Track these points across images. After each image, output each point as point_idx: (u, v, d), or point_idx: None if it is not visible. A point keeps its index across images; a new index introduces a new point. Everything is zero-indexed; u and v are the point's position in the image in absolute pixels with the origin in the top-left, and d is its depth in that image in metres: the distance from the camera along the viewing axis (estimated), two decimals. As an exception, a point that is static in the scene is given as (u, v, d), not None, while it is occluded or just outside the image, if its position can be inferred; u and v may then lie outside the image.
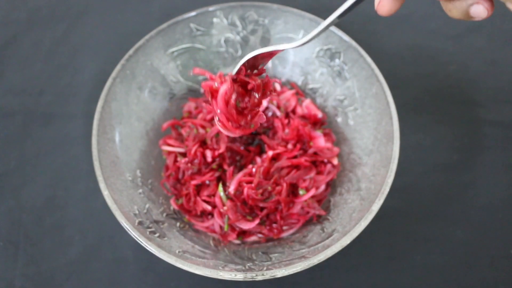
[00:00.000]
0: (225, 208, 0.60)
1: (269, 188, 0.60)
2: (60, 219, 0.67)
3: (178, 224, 0.60)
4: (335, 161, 0.65)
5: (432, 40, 0.82)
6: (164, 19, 0.69)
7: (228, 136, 0.64)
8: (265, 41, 0.71)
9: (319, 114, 0.69)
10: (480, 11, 0.32)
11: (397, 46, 0.82)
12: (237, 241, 0.61)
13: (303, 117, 0.69)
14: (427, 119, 0.74)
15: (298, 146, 0.64)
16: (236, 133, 0.44)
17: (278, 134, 0.67)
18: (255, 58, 0.42)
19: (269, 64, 0.73)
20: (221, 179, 0.64)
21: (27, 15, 0.86)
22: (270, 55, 0.43)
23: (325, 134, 0.67)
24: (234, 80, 0.43)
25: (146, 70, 0.66)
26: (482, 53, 0.81)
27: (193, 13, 0.68)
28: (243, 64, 0.43)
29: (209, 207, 0.61)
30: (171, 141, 0.67)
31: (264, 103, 0.68)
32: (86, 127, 0.74)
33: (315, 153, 0.66)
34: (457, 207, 0.67)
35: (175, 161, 0.66)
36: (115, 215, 0.51)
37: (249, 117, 0.45)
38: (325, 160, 0.66)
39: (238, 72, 0.44)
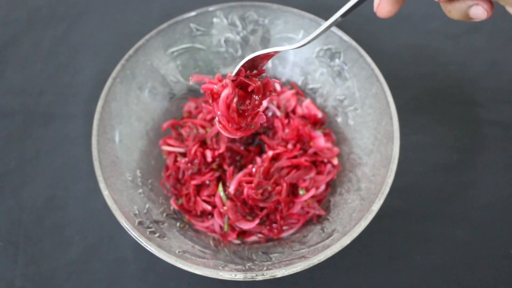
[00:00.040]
0: (225, 208, 0.60)
1: (269, 188, 0.60)
2: (60, 219, 0.67)
3: (178, 224, 0.60)
4: (335, 161, 0.65)
5: (432, 40, 0.82)
6: (164, 19, 0.70)
7: (228, 137, 0.64)
8: (265, 41, 0.71)
9: (319, 114, 0.69)
10: (479, 12, 0.32)
11: (397, 46, 0.82)
12: (237, 241, 0.61)
13: (303, 117, 0.69)
14: (427, 119, 0.74)
15: (298, 146, 0.64)
16: (237, 135, 0.44)
17: (278, 134, 0.67)
18: (254, 58, 0.42)
19: (269, 64, 0.73)
20: (221, 179, 0.64)
21: (27, 15, 0.86)
22: (269, 56, 0.43)
23: (325, 134, 0.67)
24: (233, 81, 0.43)
25: (146, 70, 0.66)
26: (482, 53, 0.81)
27: (193, 13, 0.68)
28: (243, 65, 0.43)
29: (209, 207, 0.61)
30: (171, 141, 0.67)
31: (264, 103, 0.68)
32: (86, 127, 0.74)
33: (315, 153, 0.66)
34: (457, 207, 0.67)
35: (175, 161, 0.66)
36: (115, 215, 0.51)
37: (249, 119, 0.45)
38: (325, 160, 0.66)
39: (237, 73, 0.44)
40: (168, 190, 0.65)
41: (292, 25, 0.69)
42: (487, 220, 0.66)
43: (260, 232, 0.62)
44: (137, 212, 0.55)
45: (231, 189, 0.60)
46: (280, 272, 0.47)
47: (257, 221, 0.59)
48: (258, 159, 0.65)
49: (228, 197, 0.61)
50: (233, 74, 0.44)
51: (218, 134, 0.65)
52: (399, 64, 0.79)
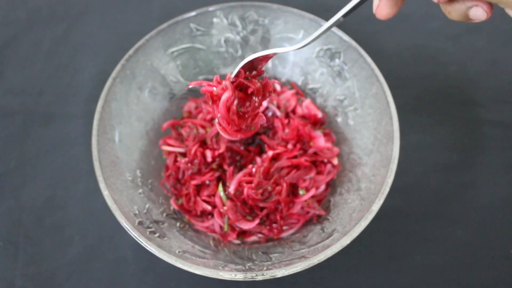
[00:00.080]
0: (225, 208, 0.60)
1: (269, 188, 0.60)
2: (60, 219, 0.67)
3: (178, 224, 0.60)
4: (335, 161, 0.65)
5: (432, 40, 0.82)
6: (164, 19, 0.70)
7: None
8: (265, 41, 0.71)
9: (319, 114, 0.69)
10: (479, 13, 0.32)
11: (397, 46, 0.82)
12: (237, 241, 0.61)
13: (303, 117, 0.69)
14: (427, 119, 0.74)
15: (298, 146, 0.64)
16: (237, 137, 0.44)
17: (278, 134, 0.67)
18: (254, 60, 0.42)
19: (269, 64, 0.73)
20: (221, 179, 0.64)
21: (27, 15, 0.86)
22: (269, 57, 0.43)
23: (325, 134, 0.67)
24: (233, 83, 0.43)
25: (146, 70, 0.66)
26: (482, 53, 0.81)
27: (193, 13, 0.68)
28: (242, 67, 0.43)
29: (209, 207, 0.61)
30: (171, 141, 0.67)
31: (264, 103, 0.68)
32: (86, 127, 0.74)
33: (315, 153, 0.66)
34: (457, 207, 0.67)
35: (175, 161, 0.66)
36: (115, 215, 0.51)
37: (249, 120, 0.45)
38: (325, 160, 0.66)
39: (237, 75, 0.43)
40: (168, 190, 0.65)
41: (292, 25, 0.69)
42: (487, 220, 0.66)
43: (260, 232, 0.62)
44: (137, 212, 0.55)
45: (231, 189, 0.60)
46: (280, 272, 0.47)
47: (257, 221, 0.59)
48: (258, 159, 0.65)
49: (228, 197, 0.61)
50: (233, 75, 0.44)
51: (218, 134, 0.65)
52: (399, 64, 0.79)
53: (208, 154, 0.63)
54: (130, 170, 0.60)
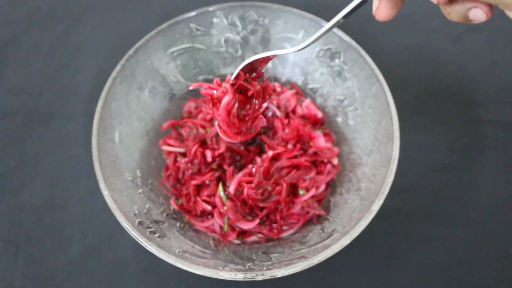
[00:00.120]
0: (225, 208, 0.60)
1: (269, 188, 0.60)
2: (60, 219, 0.67)
3: (178, 224, 0.60)
4: (335, 161, 0.65)
5: (432, 40, 0.82)
6: (164, 19, 0.70)
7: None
8: (265, 41, 0.71)
9: (319, 114, 0.69)
10: (479, 14, 0.32)
11: (397, 46, 0.82)
12: (237, 241, 0.61)
13: (303, 117, 0.69)
14: (427, 119, 0.74)
15: (298, 146, 0.64)
16: (238, 139, 0.44)
17: (278, 134, 0.67)
18: (253, 61, 0.42)
19: (269, 64, 0.73)
20: (221, 179, 0.64)
21: (27, 15, 0.86)
22: (268, 58, 0.43)
23: (325, 134, 0.67)
24: (233, 85, 0.43)
25: (146, 70, 0.66)
26: (482, 53, 0.81)
27: (193, 13, 0.68)
28: (242, 69, 0.43)
29: (209, 207, 0.61)
30: (171, 141, 0.67)
31: (264, 104, 0.68)
32: (86, 127, 0.74)
33: (315, 153, 0.66)
34: (457, 207, 0.67)
35: (175, 161, 0.66)
36: (115, 215, 0.51)
37: (249, 123, 0.45)
38: (325, 160, 0.66)
39: (237, 77, 0.43)
40: (168, 190, 0.65)
41: (292, 25, 0.69)
42: (487, 220, 0.66)
43: (260, 232, 0.62)
44: (137, 212, 0.55)
45: (231, 189, 0.60)
46: (280, 272, 0.47)
47: (257, 221, 0.59)
48: (258, 159, 0.65)
49: (228, 197, 0.61)
50: (232, 77, 0.43)
51: (218, 134, 0.65)
52: (399, 64, 0.79)
53: (208, 154, 0.63)
54: (130, 170, 0.60)
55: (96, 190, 0.64)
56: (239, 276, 0.47)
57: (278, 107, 0.69)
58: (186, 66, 0.71)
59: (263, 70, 0.45)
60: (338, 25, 0.35)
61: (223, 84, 0.43)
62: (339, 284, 0.61)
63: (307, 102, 0.70)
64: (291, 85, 0.73)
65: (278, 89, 0.71)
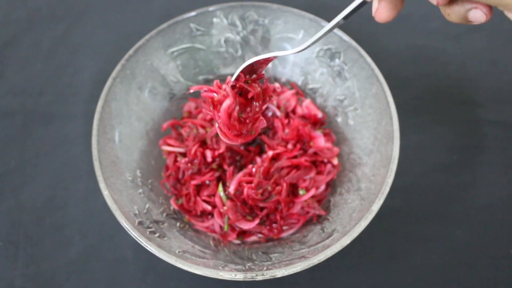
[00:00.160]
0: (225, 208, 0.60)
1: (269, 188, 0.60)
2: (60, 219, 0.67)
3: (178, 224, 0.60)
4: (335, 161, 0.65)
5: (432, 40, 0.82)
6: (164, 19, 0.70)
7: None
8: (265, 41, 0.71)
9: (319, 114, 0.69)
10: (478, 15, 0.32)
11: (397, 46, 0.82)
12: (237, 241, 0.61)
13: (303, 117, 0.69)
14: (427, 119, 0.74)
15: (298, 146, 0.64)
16: (238, 142, 0.44)
17: (278, 134, 0.67)
18: (254, 63, 0.42)
19: (269, 64, 0.73)
20: (221, 179, 0.64)
21: (27, 15, 0.86)
22: (269, 60, 0.43)
23: (325, 134, 0.67)
24: (233, 87, 0.43)
25: (146, 70, 0.66)
26: (482, 53, 0.81)
27: (193, 13, 0.68)
28: (242, 70, 0.43)
29: (209, 207, 0.61)
30: (171, 141, 0.67)
31: (264, 106, 0.68)
32: (86, 127, 0.74)
33: (315, 153, 0.66)
34: (457, 207, 0.67)
35: (175, 161, 0.66)
36: (115, 215, 0.51)
37: (250, 125, 0.44)
38: (325, 160, 0.66)
39: (237, 79, 0.43)
40: (168, 190, 0.65)
41: (292, 25, 0.69)
42: (487, 220, 0.66)
43: (260, 232, 0.62)
44: (137, 212, 0.55)
45: (231, 189, 0.60)
46: (280, 272, 0.47)
47: (257, 221, 0.59)
48: (258, 159, 0.65)
49: (228, 197, 0.61)
50: (233, 79, 0.43)
51: (218, 134, 0.65)
52: (399, 64, 0.79)
53: (208, 154, 0.63)
54: (130, 170, 0.60)
55: (96, 190, 0.64)
56: (239, 276, 0.47)
57: (278, 107, 0.69)
58: (186, 66, 0.71)
59: (263, 71, 0.45)
60: (338, 26, 0.35)
61: (223, 86, 0.43)
62: (339, 284, 0.61)
63: (307, 102, 0.70)
64: (291, 85, 0.73)
65: (278, 89, 0.72)
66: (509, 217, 0.66)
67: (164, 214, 0.60)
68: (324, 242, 0.53)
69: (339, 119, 0.68)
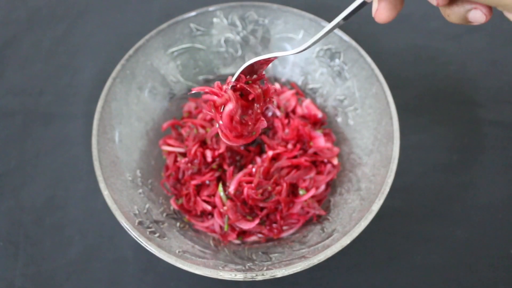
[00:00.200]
0: (225, 208, 0.60)
1: (269, 188, 0.60)
2: (60, 219, 0.67)
3: (178, 224, 0.60)
4: (335, 161, 0.65)
5: (432, 40, 0.82)
6: (164, 19, 0.70)
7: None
8: (265, 41, 0.71)
9: (319, 114, 0.69)
10: (478, 16, 0.33)
11: (397, 46, 0.82)
12: (237, 241, 0.61)
13: (303, 117, 0.69)
14: (427, 119, 0.74)
15: (298, 146, 0.64)
16: (239, 143, 0.44)
17: (278, 134, 0.67)
18: (254, 63, 0.42)
19: (269, 64, 0.73)
20: (221, 179, 0.64)
21: (27, 15, 0.86)
22: (269, 61, 0.43)
23: (325, 134, 0.67)
24: (233, 88, 0.43)
25: (146, 70, 0.66)
26: (482, 53, 0.81)
27: (193, 13, 0.68)
28: (242, 71, 0.43)
29: (209, 207, 0.61)
30: (171, 141, 0.67)
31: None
32: (86, 127, 0.74)
33: (315, 153, 0.66)
34: (457, 207, 0.67)
35: (175, 161, 0.66)
36: (115, 215, 0.51)
37: (251, 126, 0.44)
38: (325, 160, 0.66)
39: (237, 79, 0.43)
40: (168, 190, 0.65)
41: (292, 25, 0.69)
42: (487, 220, 0.66)
43: (260, 232, 0.62)
44: (137, 212, 0.55)
45: (231, 189, 0.60)
46: (280, 272, 0.47)
47: (257, 221, 0.59)
48: (258, 159, 0.65)
49: (228, 197, 0.61)
50: (233, 79, 0.43)
51: (218, 134, 0.65)
52: (399, 64, 0.79)
53: (208, 154, 0.63)
54: (130, 170, 0.60)
55: (96, 190, 0.64)
56: (239, 276, 0.47)
57: (278, 107, 0.69)
58: (186, 66, 0.71)
59: (263, 72, 0.45)
60: (338, 26, 0.35)
61: (224, 87, 0.43)
62: (339, 284, 0.61)
63: (307, 102, 0.70)
64: (291, 85, 0.73)
65: (278, 86, 0.72)
66: (509, 217, 0.66)
67: (164, 214, 0.60)
68: (324, 242, 0.53)
69: (339, 119, 0.68)
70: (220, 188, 0.61)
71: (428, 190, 0.68)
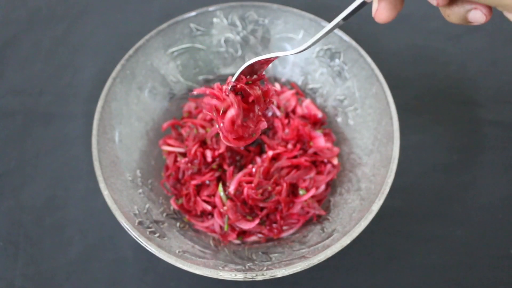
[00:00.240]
0: (225, 208, 0.60)
1: (269, 188, 0.60)
2: (60, 219, 0.67)
3: (178, 224, 0.60)
4: (335, 161, 0.65)
5: (432, 40, 0.82)
6: (164, 19, 0.70)
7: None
8: (265, 41, 0.71)
9: (319, 114, 0.69)
10: (478, 16, 0.33)
11: (397, 46, 0.82)
12: (237, 241, 0.61)
13: (303, 117, 0.69)
14: (427, 119, 0.74)
15: (298, 146, 0.64)
16: (240, 145, 0.44)
17: (278, 134, 0.67)
18: (254, 64, 0.42)
19: (269, 64, 0.73)
20: (221, 179, 0.64)
21: (27, 15, 0.86)
22: (269, 61, 0.43)
23: (325, 134, 0.67)
24: (233, 88, 0.43)
25: (146, 70, 0.66)
26: (482, 53, 0.81)
27: (193, 13, 0.68)
28: (242, 72, 0.43)
29: (209, 207, 0.61)
30: (171, 141, 0.67)
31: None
32: (86, 127, 0.74)
33: (315, 153, 0.66)
34: (457, 207, 0.67)
35: (175, 161, 0.66)
36: (115, 215, 0.51)
37: (251, 128, 0.44)
38: (325, 160, 0.66)
39: (237, 80, 0.43)
40: (168, 190, 0.65)
41: (292, 25, 0.69)
42: (487, 220, 0.66)
43: (260, 232, 0.62)
44: (137, 212, 0.55)
45: (231, 189, 0.60)
46: (280, 272, 0.47)
47: (257, 221, 0.59)
48: (258, 159, 0.65)
49: (228, 197, 0.61)
50: (233, 80, 0.43)
51: (218, 134, 0.65)
52: (399, 64, 0.79)
53: (208, 154, 0.63)
54: (130, 170, 0.60)
55: (96, 190, 0.64)
56: (239, 276, 0.47)
57: (278, 107, 0.69)
58: (186, 66, 0.71)
59: (263, 72, 0.45)
60: (338, 26, 0.35)
61: (224, 87, 0.43)
62: (339, 284, 0.61)
63: (307, 102, 0.70)
64: (291, 85, 0.73)
65: (278, 86, 0.72)
66: (509, 217, 0.66)
67: (164, 214, 0.60)
68: (324, 242, 0.53)
69: (339, 119, 0.68)
70: (220, 188, 0.61)
71: (428, 190, 0.68)
